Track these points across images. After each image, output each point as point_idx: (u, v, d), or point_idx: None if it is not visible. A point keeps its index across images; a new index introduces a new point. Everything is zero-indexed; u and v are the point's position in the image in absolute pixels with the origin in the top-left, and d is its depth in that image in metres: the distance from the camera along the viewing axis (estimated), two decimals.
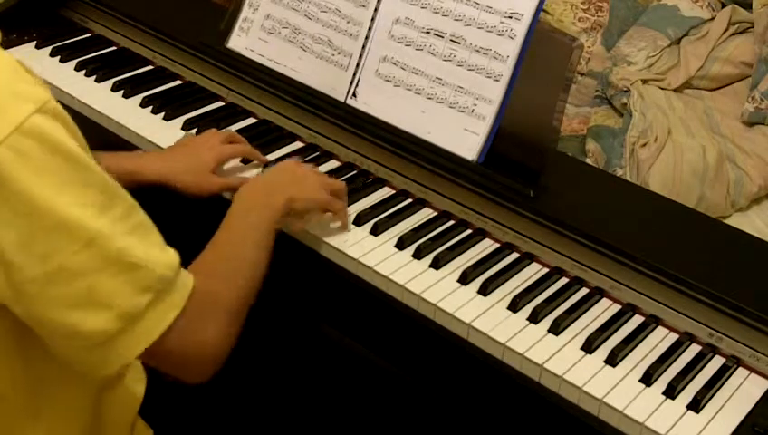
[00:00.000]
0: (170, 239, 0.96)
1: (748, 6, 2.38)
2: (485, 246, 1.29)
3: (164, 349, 0.92)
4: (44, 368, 0.98)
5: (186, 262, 1.00)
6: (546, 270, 1.25)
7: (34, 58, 1.64)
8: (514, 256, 1.27)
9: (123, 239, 0.87)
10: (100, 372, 0.94)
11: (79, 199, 0.85)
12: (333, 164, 1.44)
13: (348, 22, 1.41)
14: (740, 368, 1.13)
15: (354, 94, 1.40)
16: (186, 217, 1.39)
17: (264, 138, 1.47)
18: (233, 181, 1.34)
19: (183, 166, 1.32)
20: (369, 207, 1.33)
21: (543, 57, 1.26)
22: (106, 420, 1.10)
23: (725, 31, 2.35)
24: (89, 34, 1.75)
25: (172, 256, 0.93)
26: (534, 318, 1.17)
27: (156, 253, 0.91)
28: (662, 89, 2.25)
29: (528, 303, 1.19)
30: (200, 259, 1.04)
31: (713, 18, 2.40)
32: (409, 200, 1.36)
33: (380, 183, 1.39)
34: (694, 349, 1.15)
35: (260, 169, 1.40)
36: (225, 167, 1.39)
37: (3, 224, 0.82)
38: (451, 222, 1.33)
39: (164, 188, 1.31)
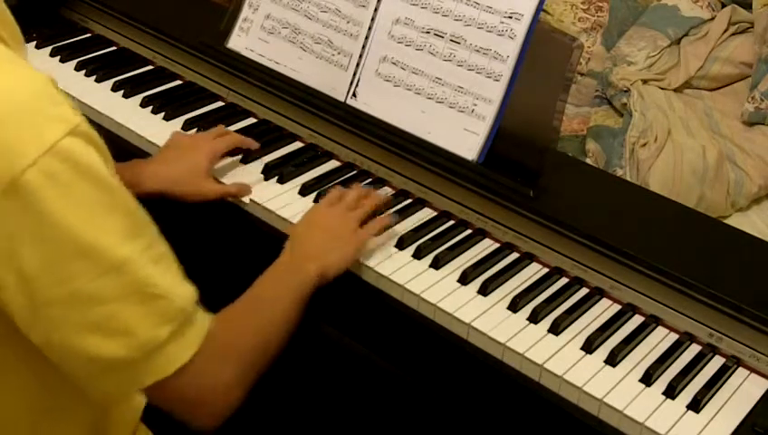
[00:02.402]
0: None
1: (748, 6, 2.38)
2: (485, 246, 1.29)
3: (176, 387, 0.91)
4: (55, 396, 0.97)
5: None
6: (546, 270, 1.25)
7: (34, 58, 1.64)
8: (514, 256, 1.27)
9: (147, 268, 0.87)
10: (112, 396, 0.93)
11: (104, 226, 0.84)
12: (333, 164, 1.43)
13: (348, 22, 1.41)
14: (740, 368, 1.13)
15: (354, 94, 1.40)
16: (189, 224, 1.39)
17: (264, 138, 1.47)
18: (230, 189, 1.34)
19: (179, 174, 1.31)
20: None
21: (543, 57, 1.26)
22: (108, 430, 1.10)
23: (725, 31, 2.35)
24: (89, 34, 1.75)
25: (191, 290, 0.93)
26: (534, 318, 1.17)
27: (177, 285, 0.91)
28: (662, 89, 2.25)
29: (528, 303, 1.19)
30: (229, 308, 1.03)
31: (713, 18, 2.40)
32: (409, 200, 1.36)
33: (380, 183, 1.39)
34: (694, 349, 1.15)
35: (259, 165, 1.39)
36: (222, 166, 1.39)
37: (27, 245, 0.82)
38: (451, 222, 1.33)
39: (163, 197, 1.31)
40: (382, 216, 1.28)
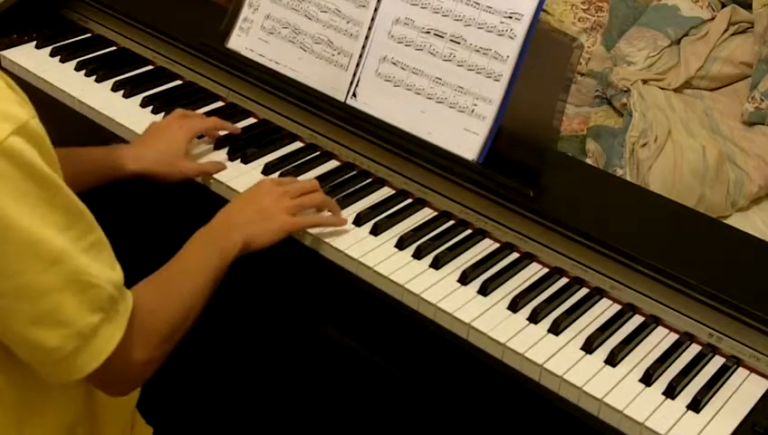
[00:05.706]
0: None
1: (748, 6, 2.38)
2: (485, 246, 1.29)
3: (105, 364, 0.94)
4: (39, 390, 0.98)
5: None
6: (546, 270, 1.25)
7: (34, 58, 1.65)
8: (514, 256, 1.27)
9: (81, 258, 0.89)
10: (62, 380, 0.95)
11: (46, 220, 0.86)
12: (333, 164, 1.44)
13: (348, 22, 1.41)
14: (740, 368, 1.13)
15: (354, 94, 1.40)
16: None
17: (264, 138, 1.47)
18: (206, 166, 1.39)
19: (156, 156, 1.35)
20: (369, 207, 1.33)
21: (543, 57, 1.26)
22: (102, 417, 1.10)
23: (725, 31, 2.35)
24: (89, 34, 1.75)
25: (119, 274, 0.95)
26: (534, 318, 1.17)
27: (107, 272, 0.93)
28: (662, 89, 2.25)
29: (528, 303, 1.19)
30: (149, 281, 1.05)
31: (713, 18, 2.40)
32: (409, 200, 1.36)
33: (380, 183, 1.39)
34: (694, 349, 1.15)
35: (259, 165, 1.40)
36: (197, 152, 1.41)
37: None
38: (451, 222, 1.33)
39: (141, 178, 1.35)
40: (314, 217, 1.28)
